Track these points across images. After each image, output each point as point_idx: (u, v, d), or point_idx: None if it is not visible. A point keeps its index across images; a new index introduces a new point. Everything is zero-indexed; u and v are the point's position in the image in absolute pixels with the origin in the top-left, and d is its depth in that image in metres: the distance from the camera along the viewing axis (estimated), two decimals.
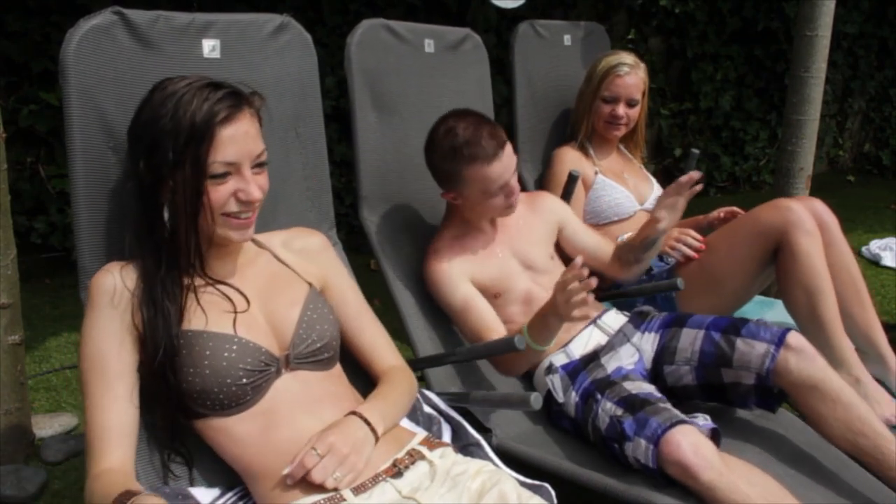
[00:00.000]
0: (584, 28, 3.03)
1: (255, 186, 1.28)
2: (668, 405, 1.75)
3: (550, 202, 2.26)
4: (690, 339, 1.96)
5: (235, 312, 1.29)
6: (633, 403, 1.74)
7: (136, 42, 1.48)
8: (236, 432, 1.26)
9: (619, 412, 1.74)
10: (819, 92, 3.42)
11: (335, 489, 1.21)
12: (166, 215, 1.25)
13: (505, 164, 1.92)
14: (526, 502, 1.27)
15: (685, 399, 1.97)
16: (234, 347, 1.25)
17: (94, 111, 1.42)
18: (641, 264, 2.18)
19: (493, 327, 1.93)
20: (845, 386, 1.82)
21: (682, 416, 1.68)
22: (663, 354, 2.00)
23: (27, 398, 2.43)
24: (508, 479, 1.33)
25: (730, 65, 6.36)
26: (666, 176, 6.45)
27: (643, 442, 1.64)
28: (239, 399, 1.25)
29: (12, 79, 3.94)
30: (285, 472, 1.21)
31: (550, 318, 1.72)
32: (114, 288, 1.24)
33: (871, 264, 4.88)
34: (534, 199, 2.24)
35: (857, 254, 5.06)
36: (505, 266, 2.05)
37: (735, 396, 1.91)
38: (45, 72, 3.94)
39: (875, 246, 5.05)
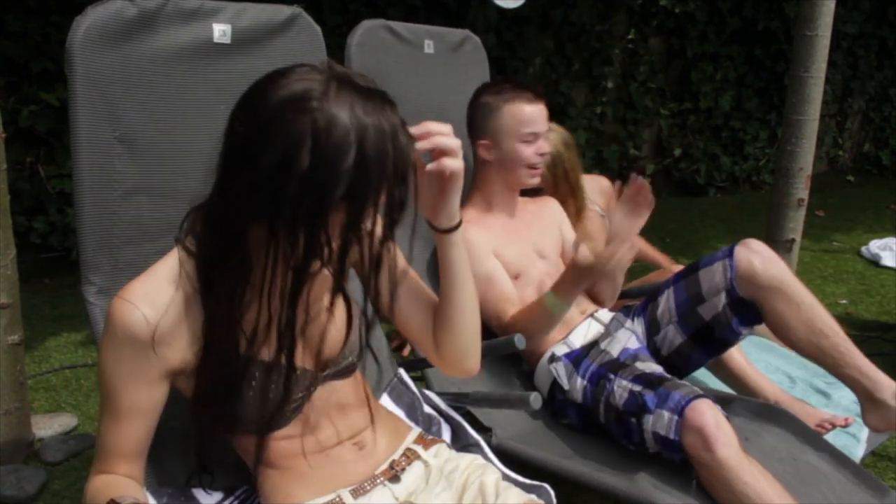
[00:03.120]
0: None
1: None
2: (686, 383, 1.77)
3: (554, 204, 2.33)
4: (664, 301, 2.04)
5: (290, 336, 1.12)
6: (652, 380, 1.76)
7: (144, 27, 1.47)
8: (281, 441, 1.23)
9: (639, 388, 1.76)
10: (819, 92, 3.43)
11: (337, 494, 1.20)
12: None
13: (541, 114, 2.06)
14: (504, 493, 1.27)
15: (683, 367, 2.03)
16: (283, 376, 1.16)
17: (100, 99, 1.40)
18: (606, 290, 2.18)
19: (515, 300, 1.99)
20: (805, 288, 1.87)
21: (702, 392, 1.70)
22: (650, 328, 2.06)
23: (27, 398, 2.43)
24: (493, 472, 1.33)
25: (730, 65, 6.37)
26: (665, 176, 6.46)
27: (666, 413, 1.65)
28: (282, 423, 1.22)
29: (12, 79, 3.94)
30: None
31: (583, 274, 1.80)
32: (138, 326, 1.06)
33: (871, 264, 4.88)
34: (539, 199, 2.31)
35: (857, 254, 5.07)
36: (524, 249, 2.10)
37: (721, 329, 1.94)
38: (45, 72, 3.94)
39: (875, 246, 5.06)
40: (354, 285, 1.32)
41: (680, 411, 1.62)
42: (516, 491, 1.30)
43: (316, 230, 0.97)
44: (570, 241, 2.28)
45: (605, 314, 2.15)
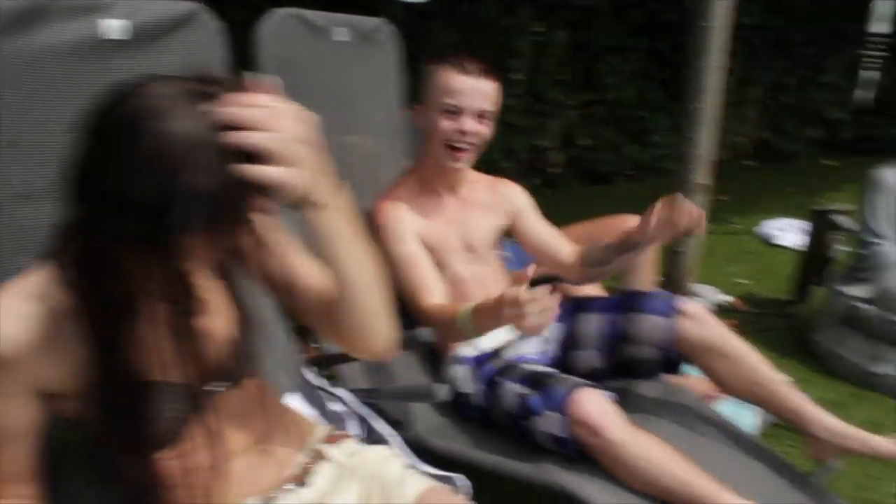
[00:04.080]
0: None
1: None
2: (569, 375, 1.79)
3: (513, 191, 2.19)
4: (592, 323, 2.01)
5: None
6: (536, 379, 1.77)
7: (22, 25, 1.38)
8: (163, 458, 1.20)
9: (525, 390, 1.76)
10: (716, 81, 3.55)
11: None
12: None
13: (474, 88, 1.90)
14: (406, 479, 1.28)
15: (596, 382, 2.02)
16: (178, 392, 1.13)
17: None
18: (604, 268, 2.04)
19: (433, 289, 1.88)
20: (738, 342, 1.92)
21: (586, 382, 1.73)
22: (571, 342, 2.04)
23: None
24: (395, 460, 1.34)
25: (633, 56, 6.51)
26: (574, 166, 6.57)
27: (552, 414, 1.67)
28: (167, 440, 1.15)
29: None
30: None
31: (501, 318, 1.59)
32: (17, 342, 0.99)
33: (768, 244, 5.10)
34: (497, 184, 2.18)
35: (756, 235, 5.28)
36: (448, 240, 2.01)
37: (642, 370, 1.98)
38: None
39: (771, 227, 5.27)
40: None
41: (563, 409, 1.65)
42: (418, 476, 1.30)
43: (166, 256, 0.91)
44: (534, 226, 2.15)
45: None
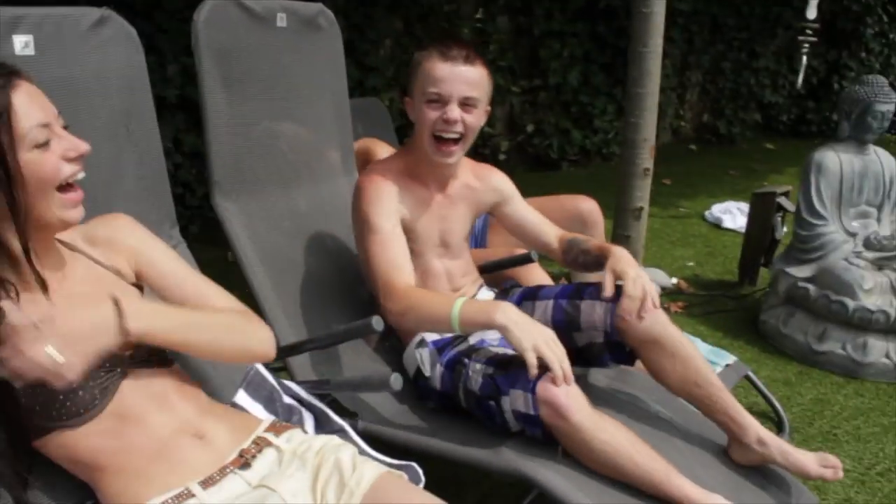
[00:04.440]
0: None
1: (78, 140, 1.18)
2: None
3: (498, 178, 2.15)
4: (542, 310, 2.03)
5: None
6: (503, 361, 1.77)
7: None
8: (88, 441, 1.20)
9: (491, 370, 1.77)
10: (657, 66, 3.57)
11: (185, 488, 1.19)
12: None
13: (457, 75, 1.84)
14: (360, 466, 1.28)
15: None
16: None
17: None
18: (578, 266, 2.11)
19: (407, 270, 1.84)
20: (684, 340, 1.92)
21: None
22: None
23: None
24: (348, 448, 1.34)
25: (575, 42, 6.54)
26: (519, 152, 6.59)
27: (520, 392, 1.68)
28: (88, 404, 1.18)
29: None
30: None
31: (494, 324, 1.65)
32: None
33: (714, 227, 5.17)
34: (481, 172, 2.14)
35: (702, 218, 5.35)
36: (426, 233, 1.99)
37: (592, 357, 1.98)
38: None
39: (716, 210, 5.35)
40: None
41: (532, 388, 1.65)
42: (372, 463, 1.31)
43: None
44: (519, 210, 2.15)
45: (483, 298, 2.13)
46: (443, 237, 2.03)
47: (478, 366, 1.80)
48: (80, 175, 1.20)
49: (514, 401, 1.69)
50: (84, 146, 1.18)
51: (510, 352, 1.84)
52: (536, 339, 1.60)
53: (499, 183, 2.14)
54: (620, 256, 1.92)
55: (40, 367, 1.06)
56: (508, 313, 1.63)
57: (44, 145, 1.14)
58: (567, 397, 1.63)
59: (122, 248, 1.38)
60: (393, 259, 1.83)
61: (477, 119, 1.90)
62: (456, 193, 2.04)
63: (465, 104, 1.86)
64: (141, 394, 1.24)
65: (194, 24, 1.95)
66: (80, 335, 1.10)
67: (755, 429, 1.85)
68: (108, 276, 1.32)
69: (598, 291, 1.92)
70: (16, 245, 1.15)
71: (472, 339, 1.95)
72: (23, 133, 1.11)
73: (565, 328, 1.96)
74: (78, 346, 1.09)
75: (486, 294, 2.17)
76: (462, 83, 1.85)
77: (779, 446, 1.83)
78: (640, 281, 1.85)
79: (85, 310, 1.14)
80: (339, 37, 2.42)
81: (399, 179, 1.94)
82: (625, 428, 1.68)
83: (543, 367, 1.64)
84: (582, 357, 1.97)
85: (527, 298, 2.10)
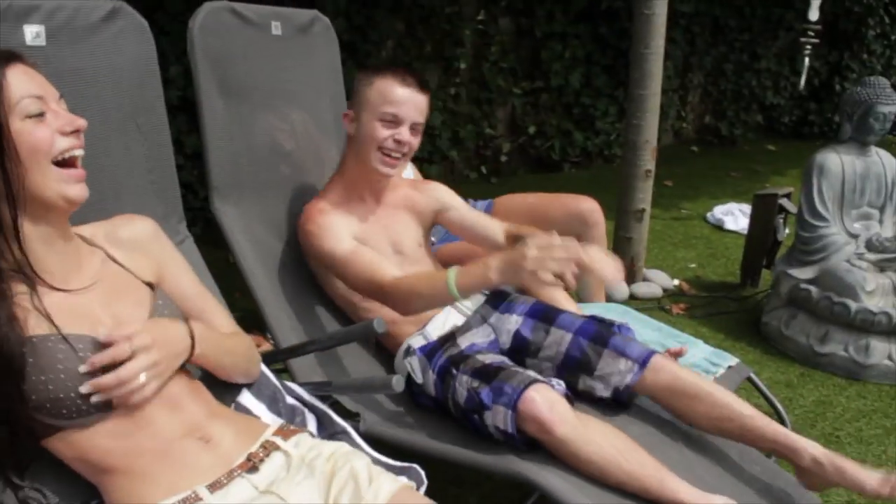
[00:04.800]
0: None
1: (74, 116, 1.18)
2: (521, 369, 1.79)
3: (436, 189, 2.21)
4: (557, 340, 1.99)
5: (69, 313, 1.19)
6: (487, 373, 1.77)
7: None
8: (97, 441, 1.19)
9: (476, 384, 1.76)
10: (659, 67, 3.58)
11: (193, 491, 1.18)
12: None
13: (413, 103, 1.96)
14: (377, 478, 1.27)
15: None
16: (90, 349, 1.16)
17: None
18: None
19: (386, 267, 1.88)
20: (699, 381, 1.89)
21: (537, 376, 1.72)
22: (528, 347, 2.01)
23: None
24: (361, 457, 1.33)
25: (577, 43, 6.54)
26: (521, 153, 6.58)
27: (501, 409, 1.67)
28: (99, 404, 1.18)
29: None
30: (82, 369, 1.14)
31: (491, 285, 1.72)
32: None
33: (716, 229, 5.16)
34: (419, 185, 2.22)
35: (703, 220, 5.34)
36: (378, 244, 2.01)
37: (588, 400, 1.95)
38: None
39: (718, 211, 5.34)
40: None
41: (513, 405, 1.65)
42: (389, 476, 1.30)
43: None
44: (463, 215, 2.18)
45: (470, 304, 2.10)
46: (394, 245, 2.06)
47: (464, 378, 1.80)
48: (79, 151, 1.19)
49: (495, 416, 1.69)
50: (80, 121, 1.18)
51: (498, 360, 1.84)
52: (532, 266, 1.58)
53: (438, 192, 2.20)
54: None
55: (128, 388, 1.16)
56: (500, 270, 1.64)
57: (37, 116, 1.13)
58: (550, 412, 1.63)
59: (146, 255, 1.39)
60: (368, 264, 1.88)
61: (418, 141, 2.03)
62: (396, 202, 2.11)
63: (414, 128, 1.99)
64: (153, 397, 1.23)
65: (190, 30, 1.96)
66: (168, 356, 1.22)
67: (807, 449, 1.77)
68: (124, 274, 1.32)
69: (626, 346, 1.92)
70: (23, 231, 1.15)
71: (463, 345, 1.95)
72: (13, 101, 1.11)
73: (575, 367, 1.94)
74: (163, 369, 1.21)
75: (469, 305, 2.11)
76: (415, 109, 1.97)
77: (832, 463, 1.74)
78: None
79: (167, 330, 1.23)
80: (335, 41, 2.44)
81: (338, 206, 2.01)
82: (613, 434, 1.67)
83: (524, 379, 1.67)
84: (578, 397, 1.92)
85: (539, 318, 2.05)
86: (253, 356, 1.53)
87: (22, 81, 1.13)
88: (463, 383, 1.79)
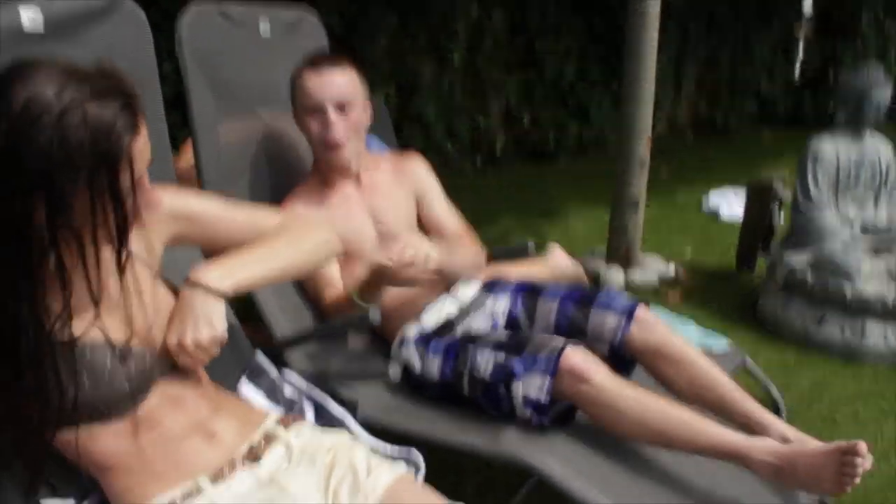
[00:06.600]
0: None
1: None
2: (547, 336, 1.80)
3: (416, 165, 2.20)
4: (546, 311, 2.00)
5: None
6: (513, 345, 1.77)
7: None
8: (102, 441, 1.17)
9: (501, 356, 1.76)
10: (653, 58, 3.59)
11: (195, 483, 1.18)
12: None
13: (328, 83, 1.93)
14: (375, 469, 1.27)
15: None
16: (118, 353, 1.15)
17: None
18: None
19: (333, 284, 1.95)
20: (686, 347, 1.91)
21: (567, 340, 1.74)
22: (519, 322, 2.02)
23: None
24: (360, 448, 1.33)
25: (571, 35, 6.54)
26: (517, 144, 6.59)
27: (538, 376, 1.68)
28: (121, 405, 1.17)
29: None
30: None
31: (386, 281, 1.77)
32: None
33: (711, 216, 5.18)
34: (400, 162, 2.20)
35: (699, 208, 5.36)
36: (360, 230, 2.02)
37: None
38: None
39: (713, 198, 5.35)
40: None
41: (552, 369, 1.66)
42: (388, 467, 1.30)
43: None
44: (433, 208, 2.18)
45: (466, 292, 2.09)
46: (379, 228, 2.05)
47: (486, 351, 1.79)
48: None
49: (527, 385, 1.69)
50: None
51: (515, 335, 1.85)
52: (397, 274, 1.72)
53: (418, 168, 2.19)
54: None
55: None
56: (374, 283, 1.77)
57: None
58: (586, 362, 1.66)
59: (151, 222, 1.26)
60: (320, 279, 1.96)
61: (358, 115, 1.99)
62: (371, 183, 2.08)
63: (340, 107, 1.95)
64: (158, 396, 1.22)
65: (177, 31, 1.95)
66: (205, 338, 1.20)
67: (777, 427, 1.77)
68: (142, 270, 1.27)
69: (610, 300, 1.93)
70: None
71: (460, 332, 1.95)
72: (139, 175, 1.07)
73: (567, 333, 1.94)
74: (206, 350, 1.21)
75: (465, 293, 2.10)
76: (333, 88, 1.94)
77: (803, 442, 1.73)
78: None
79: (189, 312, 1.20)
80: (324, 39, 2.43)
81: (312, 194, 2.03)
82: (645, 390, 1.68)
83: (562, 345, 1.69)
84: None
85: (526, 292, 2.06)
86: (317, 237, 1.45)
87: (144, 151, 1.09)
88: (486, 356, 1.78)
